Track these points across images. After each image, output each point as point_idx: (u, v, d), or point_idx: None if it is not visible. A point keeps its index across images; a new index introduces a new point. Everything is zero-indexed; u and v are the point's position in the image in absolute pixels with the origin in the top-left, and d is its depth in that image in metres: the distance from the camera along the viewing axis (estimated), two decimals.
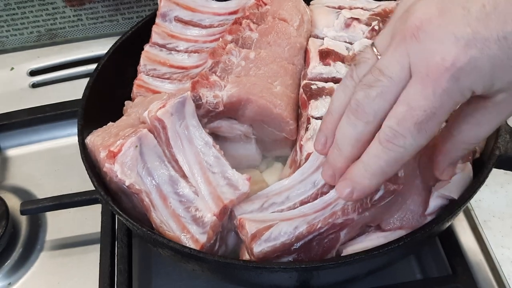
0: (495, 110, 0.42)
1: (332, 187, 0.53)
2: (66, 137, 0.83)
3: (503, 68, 0.38)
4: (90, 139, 0.57)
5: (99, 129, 0.58)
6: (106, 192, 0.55)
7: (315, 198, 0.53)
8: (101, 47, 0.96)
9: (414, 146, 0.41)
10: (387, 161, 0.42)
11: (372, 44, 0.43)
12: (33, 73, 0.95)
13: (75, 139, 0.61)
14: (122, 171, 0.52)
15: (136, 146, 0.53)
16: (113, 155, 0.52)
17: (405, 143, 0.40)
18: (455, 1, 0.38)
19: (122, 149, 0.52)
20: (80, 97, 0.65)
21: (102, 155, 0.54)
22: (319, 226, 0.51)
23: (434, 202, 0.53)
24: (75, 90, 0.81)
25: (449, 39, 0.37)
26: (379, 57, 0.43)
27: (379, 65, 0.41)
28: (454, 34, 0.37)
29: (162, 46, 0.69)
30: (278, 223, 0.51)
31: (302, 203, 0.53)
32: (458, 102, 0.40)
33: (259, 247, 0.50)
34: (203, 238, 0.52)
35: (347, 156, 0.45)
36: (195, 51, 0.68)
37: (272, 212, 0.53)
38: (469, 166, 0.55)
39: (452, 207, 0.53)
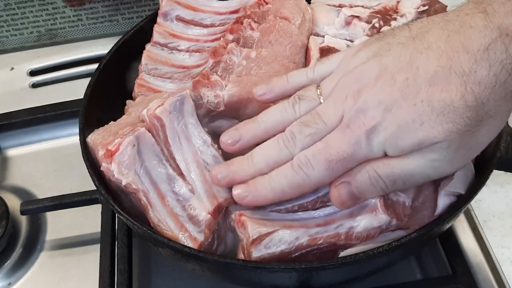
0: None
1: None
2: (67, 137, 0.83)
3: (408, 130, 0.44)
4: (91, 138, 0.57)
5: (100, 128, 0.58)
6: (107, 191, 0.55)
7: (314, 205, 0.53)
8: (101, 47, 0.95)
9: (317, 179, 0.47)
10: (291, 182, 0.48)
11: (318, 86, 0.49)
12: (33, 73, 0.95)
13: (75, 139, 0.61)
14: (119, 170, 0.52)
15: (134, 145, 0.53)
16: (110, 154, 0.52)
17: (312, 173, 0.47)
18: (389, 69, 0.45)
19: (119, 148, 0.52)
20: (80, 97, 0.64)
21: (100, 153, 0.53)
22: (320, 242, 0.51)
23: (442, 201, 0.53)
24: (75, 90, 0.81)
25: (374, 103, 0.44)
26: (321, 99, 0.49)
27: (319, 110, 0.48)
28: (379, 100, 0.44)
29: (164, 45, 0.69)
30: (279, 230, 0.51)
31: (301, 207, 0.53)
32: (367, 155, 0.46)
33: (258, 253, 0.50)
34: (200, 237, 0.52)
35: (255, 171, 0.49)
36: (196, 51, 0.68)
37: (271, 211, 0.53)
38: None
39: (453, 207, 0.53)
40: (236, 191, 0.49)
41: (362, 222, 0.51)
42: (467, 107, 0.42)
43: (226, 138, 0.52)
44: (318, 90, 0.49)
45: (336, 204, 0.49)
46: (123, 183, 0.52)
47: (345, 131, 0.45)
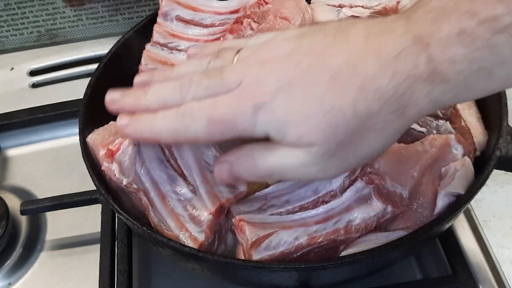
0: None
1: (333, 197, 0.53)
2: (67, 137, 0.83)
3: (293, 119, 0.42)
4: (91, 138, 0.57)
5: (100, 128, 0.58)
6: (107, 191, 0.55)
7: (315, 205, 0.53)
8: (101, 47, 0.96)
9: (194, 133, 0.45)
10: (169, 127, 0.46)
11: (238, 51, 0.48)
12: (33, 73, 0.95)
13: (75, 139, 0.60)
14: (120, 170, 0.52)
15: (135, 145, 0.53)
16: (111, 154, 0.52)
17: (191, 125, 0.45)
18: (300, 51, 0.43)
19: (120, 148, 0.52)
20: (80, 97, 0.64)
21: (101, 153, 0.53)
22: (319, 240, 0.51)
23: (442, 201, 0.53)
24: (75, 90, 0.81)
25: (271, 79, 0.42)
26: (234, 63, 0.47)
27: (224, 69, 0.46)
28: (277, 77, 0.42)
29: (164, 45, 0.69)
30: (278, 231, 0.51)
31: (302, 208, 0.53)
32: (249, 130, 0.44)
33: (258, 255, 0.50)
34: (201, 237, 0.52)
35: (145, 106, 0.48)
36: None
37: (271, 214, 0.53)
38: (468, 160, 0.55)
39: (453, 207, 0.53)
40: (122, 120, 0.49)
41: (359, 214, 0.52)
42: (355, 115, 0.40)
43: (142, 75, 0.53)
44: (237, 55, 0.47)
45: (216, 179, 0.49)
46: (124, 182, 0.52)
47: (236, 97, 0.44)
